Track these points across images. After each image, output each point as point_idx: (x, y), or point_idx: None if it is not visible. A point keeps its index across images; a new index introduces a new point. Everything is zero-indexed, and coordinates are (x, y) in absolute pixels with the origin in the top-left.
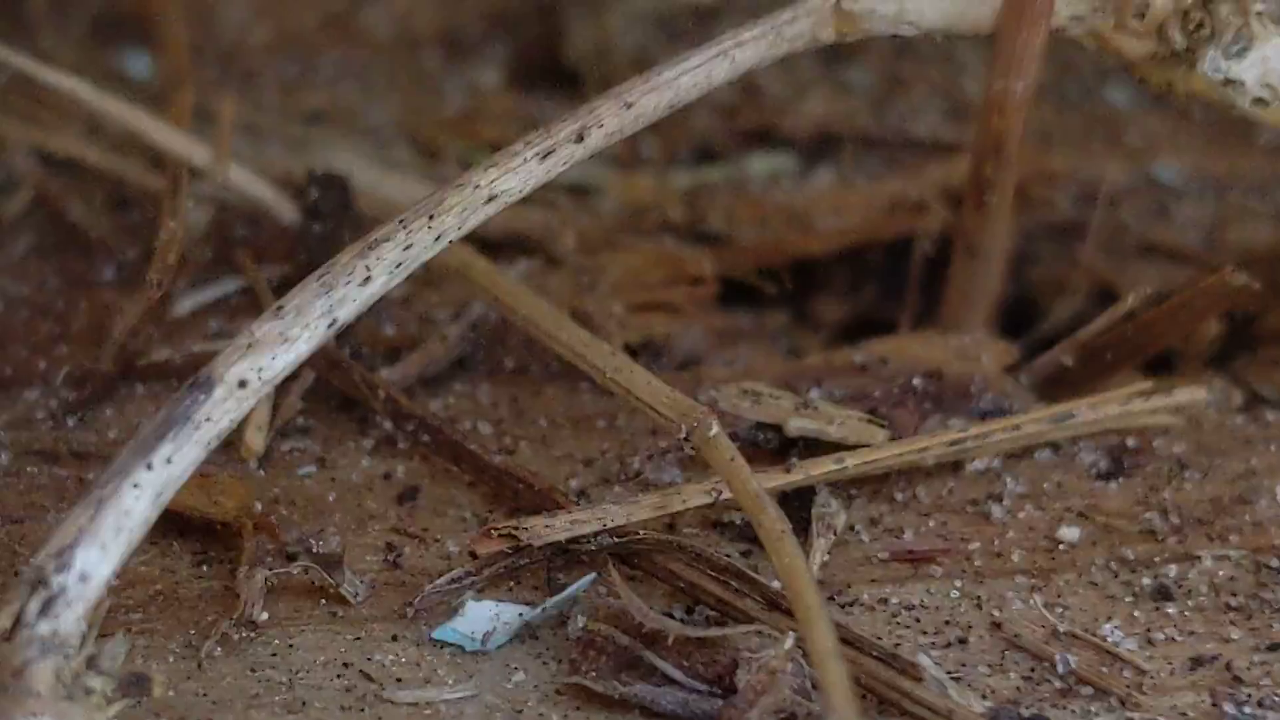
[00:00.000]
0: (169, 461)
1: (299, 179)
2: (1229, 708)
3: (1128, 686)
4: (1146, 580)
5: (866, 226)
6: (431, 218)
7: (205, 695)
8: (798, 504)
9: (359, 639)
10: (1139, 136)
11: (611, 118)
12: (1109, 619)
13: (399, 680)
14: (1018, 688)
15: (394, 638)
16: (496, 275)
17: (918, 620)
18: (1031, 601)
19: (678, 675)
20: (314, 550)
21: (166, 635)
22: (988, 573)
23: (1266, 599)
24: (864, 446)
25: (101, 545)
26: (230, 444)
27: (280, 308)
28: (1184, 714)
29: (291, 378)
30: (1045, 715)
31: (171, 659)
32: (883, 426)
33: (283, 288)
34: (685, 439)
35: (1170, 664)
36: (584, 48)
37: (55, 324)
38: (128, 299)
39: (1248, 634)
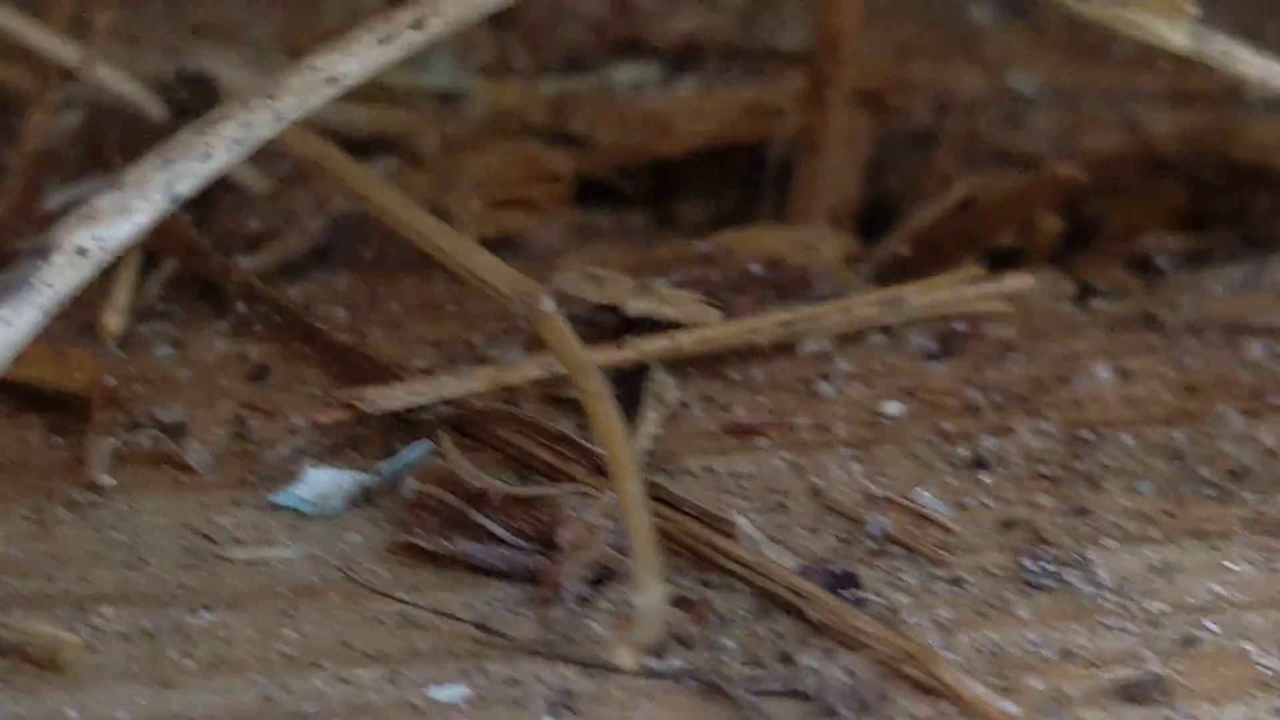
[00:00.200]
0: (8, 324)
1: (171, 81)
2: (1028, 562)
3: (936, 546)
4: (963, 451)
5: (723, 130)
6: (271, 97)
7: (50, 554)
8: (637, 383)
9: (202, 504)
10: (997, 50)
11: (452, 5)
12: (924, 486)
13: (237, 540)
14: (833, 548)
15: (236, 503)
16: (351, 166)
17: (742, 487)
18: (852, 470)
19: (502, 533)
20: (161, 421)
21: (15, 499)
22: (812, 445)
23: (1078, 469)
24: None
25: None
26: (90, 326)
27: (120, 181)
28: (987, 570)
29: (152, 265)
30: (854, 571)
31: (21, 522)
32: (720, 309)
33: None
34: (521, 315)
35: (979, 526)
36: None
37: None
38: None
39: (1058, 500)
